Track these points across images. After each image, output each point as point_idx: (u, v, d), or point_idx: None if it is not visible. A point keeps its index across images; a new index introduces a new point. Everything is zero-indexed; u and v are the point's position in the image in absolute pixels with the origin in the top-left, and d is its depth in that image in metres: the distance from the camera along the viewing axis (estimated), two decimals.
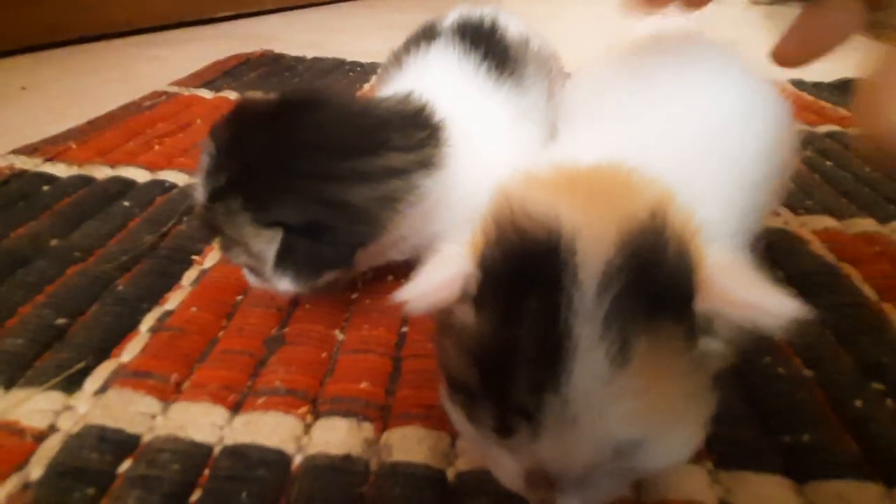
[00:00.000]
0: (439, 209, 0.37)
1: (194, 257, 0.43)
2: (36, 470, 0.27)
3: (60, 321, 0.36)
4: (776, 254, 0.43)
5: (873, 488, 0.27)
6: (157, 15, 1.14)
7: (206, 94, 0.76)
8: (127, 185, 0.52)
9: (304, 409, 0.31)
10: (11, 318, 0.36)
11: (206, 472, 0.28)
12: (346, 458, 0.28)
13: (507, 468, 0.22)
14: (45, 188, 0.51)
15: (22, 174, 0.53)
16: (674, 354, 0.19)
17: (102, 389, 0.32)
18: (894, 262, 0.42)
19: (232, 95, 0.76)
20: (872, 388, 0.32)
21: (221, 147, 0.33)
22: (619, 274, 0.18)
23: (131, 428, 0.29)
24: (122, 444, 0.29)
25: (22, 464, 0.27)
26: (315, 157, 0.33)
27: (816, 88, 0.79)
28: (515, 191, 0.22)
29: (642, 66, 0.32)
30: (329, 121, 0.34)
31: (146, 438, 0.29)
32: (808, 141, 0.61)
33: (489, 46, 0.42)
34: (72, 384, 0.32)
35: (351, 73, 0.89)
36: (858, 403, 0.31)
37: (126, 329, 0.36)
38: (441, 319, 0.23)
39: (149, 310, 0.38)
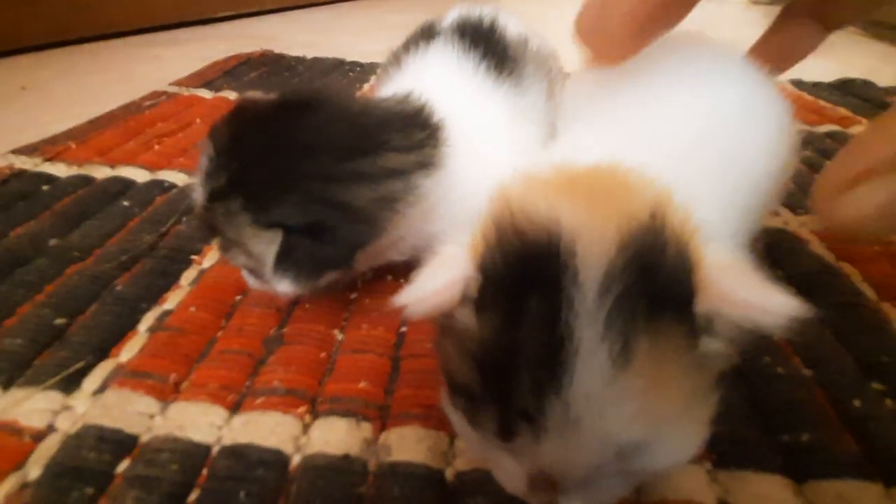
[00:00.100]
0: (439, 209, 0.37)
1: (193, 257, 0.43)
2: (34, 470, 0.27)
3: (59, 321, 0.36)
4: (775, 253, 0.43)
5: (872, 488, 0.27)
6: (157, 15, 1.15)
7: (206, 94, 0.76)
8: (126, 185, 0.52)
9: (302, 409, 0.31)
10: (10, 318, 0.36)
11: (205, 471, 0.28)
12: (345, 458, 0.28)
13: (510, 472, 0.22)
14: (45, 188, 0.51)
15: (21, 174, 0.53)
16: (675, 354, 0.19)
17: (101, 389, 0.32)
18: (894, 261, 0.42)
19: (232, 95, 0.76)
20: (872, 387, 0.32)
21: (221, 148, 0.33)
22: (620, 275, 0.18)
23: (130, 428, 0.29)
24: (121, 443, 0.29)
25: (20, 463, 0.27)
26: (315, 158, 0.32)
27: (816, 88, 0.80)
28: (515, 192, 0.22)
29: (642, 65, 0.31)
30: (329, 121, 0.34)
31: (144, 438, 0.29)
32: (808, 141, 0.61)
33: (488, 46, 0.42)
34: (70, 384, 0.32)
35: (351, 74, 0.89)
36: (858, 403, 0.31)
37: (125, 329, 0.36)
38: (441, 322, 0.22)
39: (148, 309, 0.38)
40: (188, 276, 0.41)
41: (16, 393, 0.31)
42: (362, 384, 0.32)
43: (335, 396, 0.31)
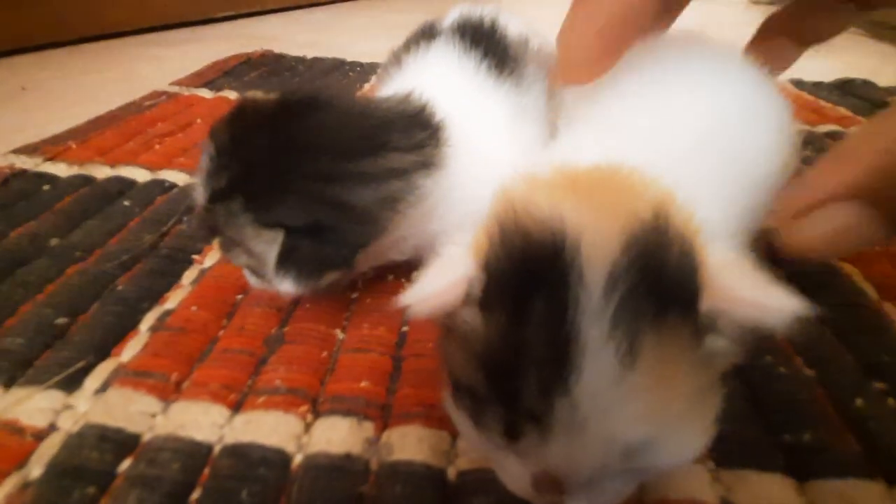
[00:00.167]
0: (440, 209, 0.37)
1: (194, 257, 0.43)
2: (36, 469, 0.27)
3: (60, 320, 0.36)
4: (776, 253, 0.43)
5: (874, 487, 0.27)
6: (157, 15, 1.14)
7: (207, 93, 0.76)
8: (127, 185, 0.52)
9: (304, 409, 0.31)
10: (11, 318, 0.36)
11: (207, 471, 0.27)
12: (347, 457, 0.28)
13: (514, 473, 0.22)
14: (46, 188, 0.51)
15: (22, 174, 0.53)
16: (681, 352, 0.19)
17: (103, 388, 0.32)
18: (895, 261, 0.42)
19: (232, 95, 0.76)
20: (873, 387, 0.32)
21: (222, 148, 0.33)
22: (625, 273, 0.18)
23: (131, 427, 0.29)
24: (123, 443, 0.28)
25: (22, 463, 0.27)
26: (316, 158, 0.32)
27: (816, 88, 0.80)
28: (518, 192, 0.22)
29: (642, 65, 0.32)
30: (330, 121, 0.34)
31: (146, 437, 0.29)
32: (808, 141, 0.61)
33: (489, 46, 0.42)
34: (72, 383, 0.32)
35: (351, 73, 0.89)
36: (859, 402, 0.31)
37: (126, 328, 0.36)
38: (444, 323, 0.22)
39: (149, 309, 0.38)
40: (189, 276, 0.41)
41: (17, 392, 0.31)
42: (364, 383, 0.32)
43: (337, 396, 0.31)
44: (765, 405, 0.31)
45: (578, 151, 0.27)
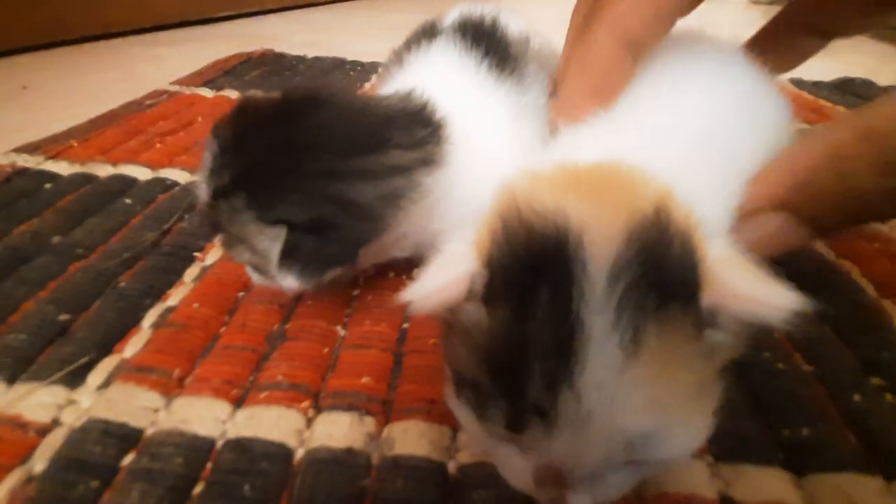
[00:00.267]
0: (441, 206, 0.37)
1: (196, 254, 0.43)
2: (39, 463, 0.27)
3: (63, 317, 0.36)
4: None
5: (872, 482, 0.27)
6: (157, 15, 1.15)
7: (207, 92, 0.76)
8: (128, 183, 0.53)
9: (306, 404, 0.31)
10: (14, 314, 0.36)
11: (209, 465, 0.28)
12: (349, 452, 0.28)
13: (517, 467, 0.22)
14: (47, 186, 0.51)
15: (24, 172, 0.53)
16: (682, 344, 0.19)
17: (105, 384, 0.32)
18: (894, 259, 0.42)
19: (233, 94, 0.76)
20: (872, 383, 0.32)
21: (224, 145, 0.33)
22: (628, 265, 0.19)
23: (134, 422, 0.29)
24: (126, 437, 0.29)
25: (25, 457, 0.27)
26: (318, 155, 0.33)
27: (816, 87, 0.80)
28: (520, 188, 0.23)
29: (642, 63, 0.32)
30: (332, 119, 0.34)
31: (149, 432, 0.29)
32: None
33: (490, 44, 0.42)
34: (75, 379, 0.32)
35: (351, 73, 0.89)
36: (858, 398, 0.31)
37: (128, 325, 0.36)
38: (446, 319, 0.23)
39: (151, 306, 0.38)
40: (191, 273, 0.41)
41: (20, 388, 0.31)
42: (365, 379, 0.32)
43: (338, 391, 0.32)
44: (764, 401, 0.31)
45: (579, 149, 0.28)
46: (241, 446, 0.28)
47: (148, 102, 0.71)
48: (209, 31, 1.19)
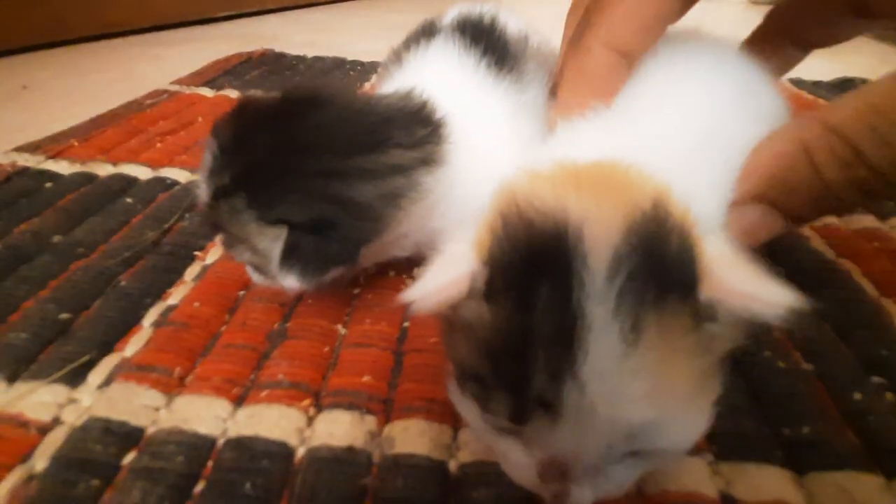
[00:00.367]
0: (441, 206, 0.37)
1: (196, 253, 0.43)
2: (40, 462, 0.27)
3: (64, 316, 0.36)
4: (776, 249, 0.43)
5: (873, 480, 0.27)
6: (157, 15, 1.15)
7: (208, 92, 0.76)
8: (129, 183, 0.53)
9: (307, 402, 0.31)
10: (15, 313, 0.36)
11: (210, 463, 0.28)
12: (349, 450, 0.28)
13: (520, 462, 0.22)
14: (48, 185, 0.51)
15: (24, 171, 0.53)
16: (682, 335, 0.19)
17: (106, 383, 0.32)
18: (894, 258, 0.42)
19: (233, 94, 0.76)
20: (872, 381, 0.32)
21: (225, 145, 0.33)
22: (627, 258, 0.19)
23: (135, 420, 0.29)
24: (127, 436, 0.29)
25: (26, 456, 0.28)
26: (319, 155, 0.33)
27: (816, 87, 0.80)
28: (520, 186, 0.23)
29: (640, 62, 0.32)
30: (332, 118, 0.34)
31: (150, 431, 0.29)
32: None
33: (489, 43, 0.42)
34: (76, 377, 0.32)
35: (351, 72, 0.89)
36: (858, 396, 0.31)
37: (129, 324, 0.36)
38: (447, 317, 0.23)
39: (152, 305, 0.38)
40: (192, 272, 0.41)
41: (21, 387, 0.31)
42: (366, 378, 0.32)
43: (339, 390, 0.32)
44: (764, 399, 0.31)
45: (577, 147, 0.28)
46: (241, 445, 0.28)
47: (148, 102, 0.71)
48: (209, 31, 1.19)
